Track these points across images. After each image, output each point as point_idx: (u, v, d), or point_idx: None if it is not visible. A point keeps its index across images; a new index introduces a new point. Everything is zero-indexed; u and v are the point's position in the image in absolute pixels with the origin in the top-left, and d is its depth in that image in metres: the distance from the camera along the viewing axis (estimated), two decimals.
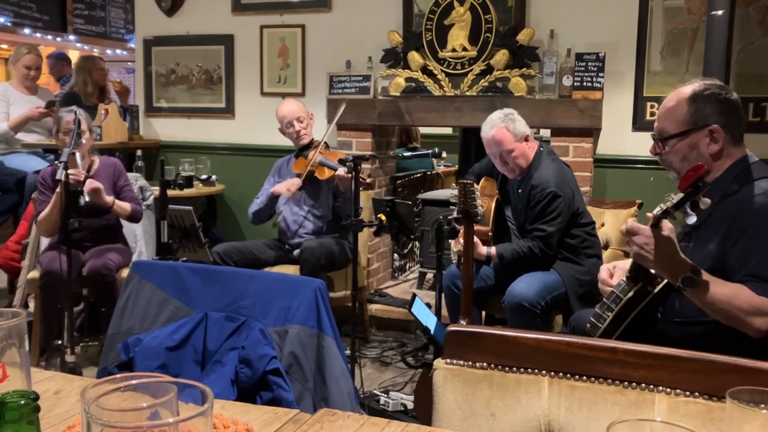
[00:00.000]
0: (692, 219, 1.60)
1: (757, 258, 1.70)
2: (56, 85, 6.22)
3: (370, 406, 2.97)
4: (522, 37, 3.96)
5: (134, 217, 3.53)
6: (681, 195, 1.60)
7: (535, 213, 2.94)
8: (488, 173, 3.28)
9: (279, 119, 3.77)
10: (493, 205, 3.18)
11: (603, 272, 2.03)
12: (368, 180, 3.28)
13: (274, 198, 3.67)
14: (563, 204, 2.92)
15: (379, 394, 3.15)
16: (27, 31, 6.66)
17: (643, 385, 1.10)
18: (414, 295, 2.83)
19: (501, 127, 3.00)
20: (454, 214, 2.82)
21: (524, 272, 2.97)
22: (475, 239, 2.92)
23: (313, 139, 3.77)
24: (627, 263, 2.00)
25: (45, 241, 3.65)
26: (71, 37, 7.22)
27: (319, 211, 3.69)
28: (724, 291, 1.69)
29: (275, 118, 3.84)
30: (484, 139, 3.06)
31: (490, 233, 3.13)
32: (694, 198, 1.58)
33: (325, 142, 3.75)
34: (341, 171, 3.34)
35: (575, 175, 3.74)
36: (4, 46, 7.80)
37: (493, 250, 3.01)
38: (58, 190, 3.11)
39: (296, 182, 3.57)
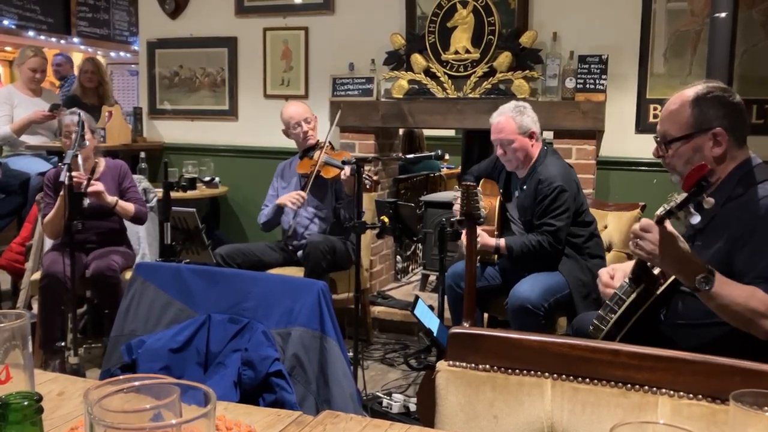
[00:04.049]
0: (696, 219, 1.59)
1: (766, 261, 1.69)
2: (56, 88, 6.26)
3: (372, 408, 2.97)
4: (525, 39, 3.96)
5: (138, 218, 3.53)
6: (684, 195, 1.59)
7: (542, 208, 2.94)
8: (487, 175, 3.28)
9: (285, 120, 3.75)
10: (497, 203, 3.18)
11: (603, 275, 2.03)
12: (375, 177, 3.29)
13: (280, 209, 3.66)
14: (570, 198, 2.93)
15: (382, 396, 3.15)
16: (31, 33, 6.68)
17: (646, 387, 1.10)
18: (417, 297, 2.84)
19: (509, 116, 3.03)
20: (457, 216, 2.82)
21: (528, 272, 2.97)
22: (482, 231, 2.92)
23: (318, 140, 3.77)
24: (627, 266, 1.99)
25: (48, 243, 3.66)
26: (75, 40, 7.24)
27: (323, 212, 3.69)
28: (738, 293, 1.67)
29: (278, 120, 3.84)
30: (491, 124, 3.08)
31: (495, 232, 3.14)
32: (697, 198, 1.57)
33: (330, 143, 3.74)
34: (346, 171, 3.35)
35: (578, 177, 3.76)
36: (9, 49, 7.83)
37: (502, 241, 3.00)
38: (62, 192, 3.12)
39: (301, 195, 3.54)
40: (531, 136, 3.02)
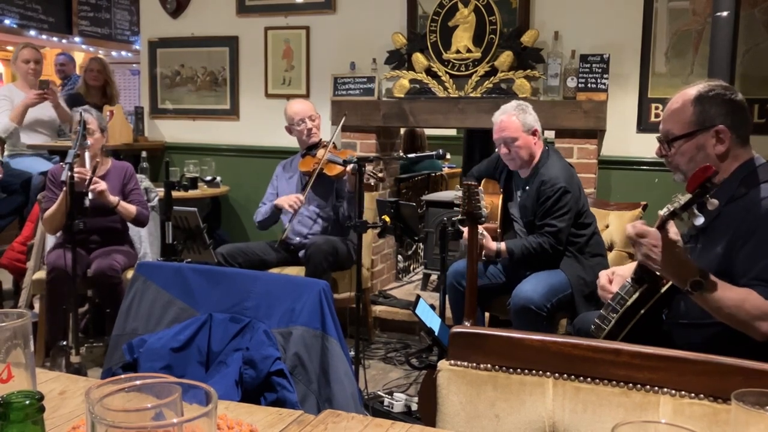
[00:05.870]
0: (700, 220, 1.59)
1: (764, 262, 1.69)
2: (58, 87, 6.28)
3: (374, 407, 2.97)
4: (526, 38, 3.96)
5: (139, 221, 3.53)
6: (689, 196, 1.59)
7: (545, 209, 2.94)
8: (488, 175, 3.28)
9: (290, 116, 3.73)
10: (500, 202, 3.18)
11: (602, 278, 2.03)
12: (380, 174, 3.30)
13: (277, 210, 3.66)
14: (572, 200, 2.93)
15: (383, 395, 3.15)
16: (32, 32, 6.69)
17: (648, 386, 1.10)
18: (418, 297, 2.84)
19: (511, 113, 3.03)
20: (459, 216, 2.82)
21: (531, 271, 2.96)
22: (486, 234, 2.92)
23: (321, 138, 3.77)
24: (626, 269, 1.99)
25: (50, 242, 3.66)
26: (77, 39, 7.25)
27: (325, 211, 3.69)
28: (732, 295, 1.67)
29: (280, 120, 3.84)
30: (494, 123, 3.08)
31: (498, 230, 3.14)
32: (701, 199, 1.57)
33: (333, 142, 3.75)
34: (348, 169, 3.35)
35: (579, 177, 3.76)
36: (10, 48, 7.83)
37: (502, 245, 3.00)
38: (64, 188, 3.13)
39: (299, 198, 3.55)
40: (534, 133, 3.02)
